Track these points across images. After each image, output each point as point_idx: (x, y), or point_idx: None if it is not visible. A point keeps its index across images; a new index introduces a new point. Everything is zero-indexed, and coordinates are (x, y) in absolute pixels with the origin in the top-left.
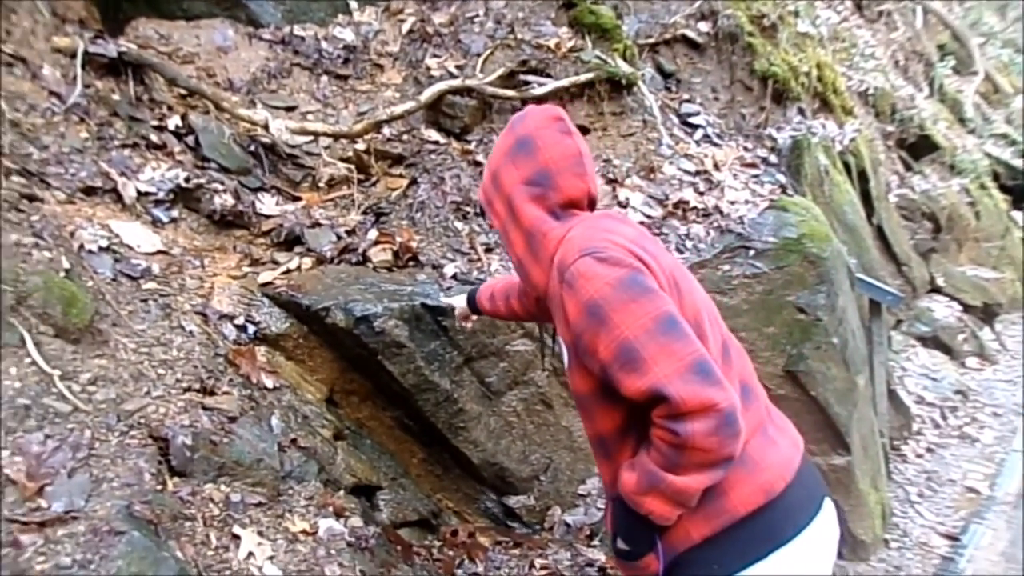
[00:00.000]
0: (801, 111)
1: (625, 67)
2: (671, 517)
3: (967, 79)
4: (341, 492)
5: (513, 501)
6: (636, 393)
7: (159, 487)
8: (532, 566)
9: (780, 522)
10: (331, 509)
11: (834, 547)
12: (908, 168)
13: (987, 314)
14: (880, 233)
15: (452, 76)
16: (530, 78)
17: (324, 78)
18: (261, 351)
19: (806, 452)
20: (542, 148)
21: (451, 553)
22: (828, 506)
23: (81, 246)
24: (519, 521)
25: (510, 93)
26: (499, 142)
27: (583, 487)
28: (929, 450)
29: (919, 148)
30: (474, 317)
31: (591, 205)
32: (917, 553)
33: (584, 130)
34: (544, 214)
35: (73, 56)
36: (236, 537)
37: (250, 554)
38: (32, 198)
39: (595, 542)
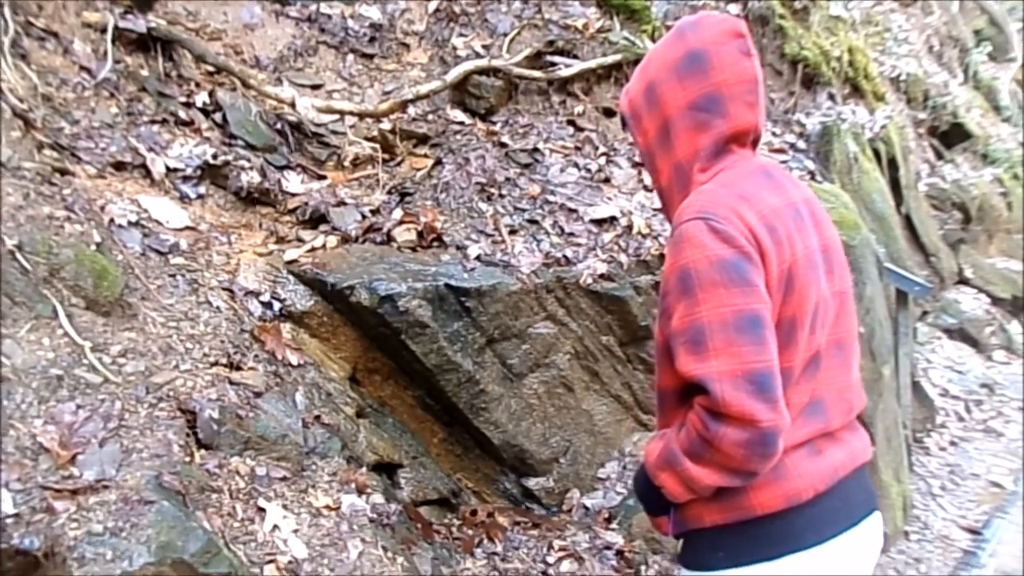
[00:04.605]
0: (831, 96)
1: None
2: (680, 497)
3: (1003, 66)
4: (363, 469)
5: (532, 483)
6: (686, 373)
7: (187, 459)
8: (550, 547)
9: (800, 529)
10: (353, 485)
11: (868, 565)
12: (939, 156)
13: (1016, 307)
14: (908, 222)
15: (478, 56)
16: (557, 59)
17: (350, 57)
18: (286, 328)
19: (865, 465)
20: (717, 67)
21: (470, 532)
22: (870, 523)
23: (111, 220)
24: (538, 503)
25: (536, 74)
26: (663, 49)
27: (602, 471)
28: (952, 443)
29: (951, 136)
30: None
31: (755, 142)
32: (938, 546)
33: (611, 113)
34: (704, 147)
35: (103, 31)
36: (261, 510)
37: (275, 527)
38: (64, 172)
39: (613, 525)
